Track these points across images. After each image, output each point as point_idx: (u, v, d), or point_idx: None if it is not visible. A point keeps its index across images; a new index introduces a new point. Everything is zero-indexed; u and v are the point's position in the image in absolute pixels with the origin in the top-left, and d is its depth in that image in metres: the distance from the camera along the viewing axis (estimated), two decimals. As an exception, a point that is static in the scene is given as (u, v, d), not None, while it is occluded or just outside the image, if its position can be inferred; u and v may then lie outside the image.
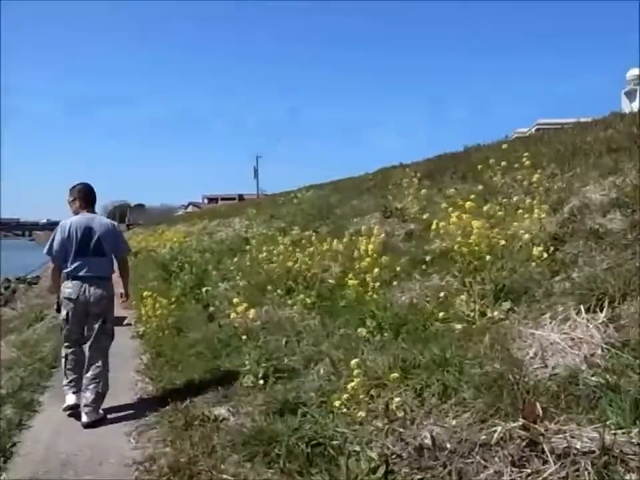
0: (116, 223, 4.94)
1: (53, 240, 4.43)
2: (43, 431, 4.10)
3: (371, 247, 5.16)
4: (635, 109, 18.40)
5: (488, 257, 4.21)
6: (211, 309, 7.56)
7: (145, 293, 7.21)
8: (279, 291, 7.05)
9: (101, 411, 4.27)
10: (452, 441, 2.75)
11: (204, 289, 8.97)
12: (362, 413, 3.13)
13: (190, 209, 75.92)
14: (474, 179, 9.11)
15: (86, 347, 4.43)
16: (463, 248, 4.36)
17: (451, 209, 5.24)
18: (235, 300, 5.66)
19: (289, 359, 4.73)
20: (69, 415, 4.26)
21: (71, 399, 4.35)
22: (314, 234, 10.50)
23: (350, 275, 5.52)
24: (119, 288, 4.72)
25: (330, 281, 6.70)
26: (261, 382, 4.32)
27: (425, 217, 8.24)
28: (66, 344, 4.47)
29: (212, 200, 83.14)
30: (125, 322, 8.40)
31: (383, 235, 5.96)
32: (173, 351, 5.79)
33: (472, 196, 5.41)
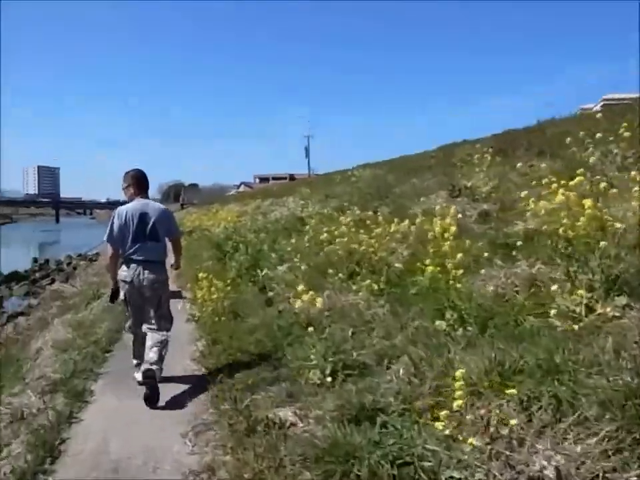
0: (167, 208, 5.00)
1: (111, 226, 4.51)
2: (94, 425, 3.80)
3: (452, 228, 4.57)
4: None
5: (602, 243, 3.56)
6: (270, 293, 7.18)
7: (201, 275, 6.85)
8: (340, 275, 6.57)
9: (161, 374, 4.42)
10: (581, 475, 2.20)
11: (260, 271, 8.60)
12: (456, 432, 2.61)
13: (242, 188, 76.59)
14: (553, 154, 8.31)
15: (146, 330, 4.59)
16: (569, 231, 3.71)
17: (541, 186, 4.60)
18: (300, 287, 5.21)
19: (359, 353, 4.23)
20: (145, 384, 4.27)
21: (139, 376, 4.53)
22: (374, 214, 10.02)
23: (425, 260, 4.98)
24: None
25: (397, 265, 6.15)
26: (329, 379, 3.86)
27: (495, 195, 7.61)
28: (128, 325, 4.78)
29: (263, 180, 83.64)
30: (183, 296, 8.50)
31: (459, 216, 5.34)
32: (230, 338, 5.41)
33: (570, 172, 4.72)
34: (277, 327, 5.17)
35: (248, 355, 4.86)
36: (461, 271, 4.49)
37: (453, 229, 4.98)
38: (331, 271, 6.81)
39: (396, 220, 7.08)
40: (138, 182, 4.68)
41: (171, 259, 5.04)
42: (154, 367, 4.27)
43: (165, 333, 4.58)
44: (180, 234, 5.18)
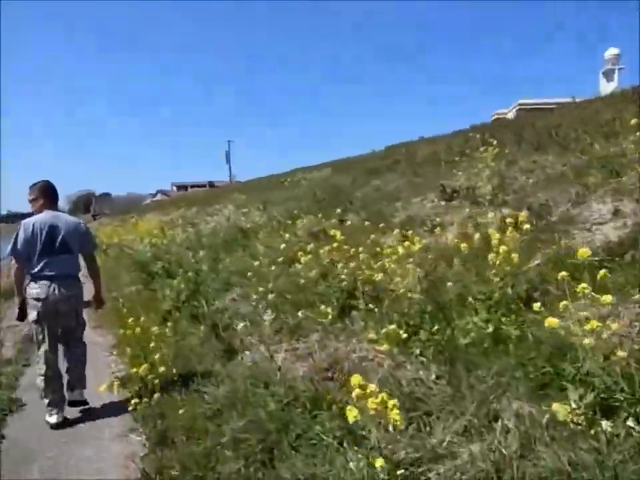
0: (82, 222, 4.68)
1: (16, 239, 4.26)
2: None
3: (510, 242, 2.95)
4: (612, 89, 17.72)
5: None
6: (222, 332, 5.23)
7: (126, 328, 4.82)
8: (328, 310, 4.76)
9: (85, 396, 4.44)
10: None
11: (205, 302, 6.61)
12: None
13: (158, 197, 72.77)
14: (561, 147, 6.94)
15: (60, 348, 4.43)
16: None
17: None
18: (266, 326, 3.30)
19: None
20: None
21: (53, 419, 4.18)
22: (339, 223, 8.29)
23: (477, 293, 3.31)
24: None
25: (414, 295, 4.42)
26: None
27: (503, 196, 6.10)
28: (41, 350, 4.28)
29: (181, 187, 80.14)
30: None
31: (527, 227, 3.68)
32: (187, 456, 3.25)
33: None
34: (266, 414, 3.21)
35: None
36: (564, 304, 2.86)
37: (512, 244, 3.38)
38: (317, 302, 4.99)
39: (396, 232, 5.39)
40: (47, 194, 4.47)
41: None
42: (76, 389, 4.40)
43: (78, 351, 4.51)
44: (94, 249, 4.76)
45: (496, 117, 27.67)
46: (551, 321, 2.53)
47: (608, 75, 43.67)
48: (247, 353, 4.70)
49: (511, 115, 26.35)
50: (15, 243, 4.22)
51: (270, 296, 5.69)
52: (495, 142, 7.59)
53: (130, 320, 5.28)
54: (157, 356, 4.34)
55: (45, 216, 4.32)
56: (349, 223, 7.88)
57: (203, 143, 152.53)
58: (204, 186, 64.62)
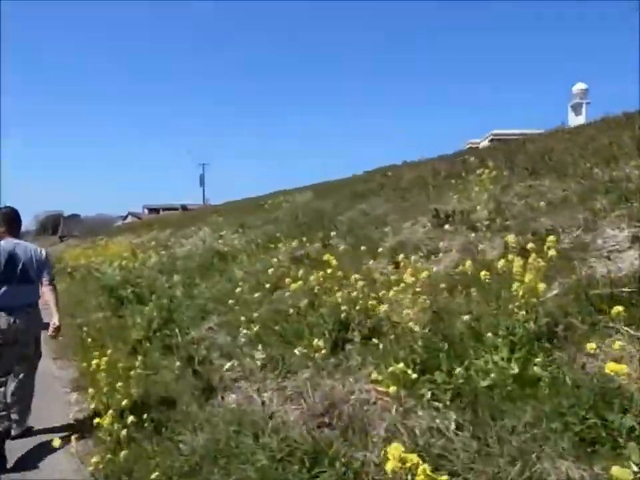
0: (43, 250, 4.55)
1: None
2: None
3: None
4: (580, 122, 18.46)
5: None
6: (198, 367, 4.69)
7: (96, 362, 4.23)
8: (320, 343, 4.26)
9: (28, 424, 4.36)
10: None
11: (179, 331, 6.05)
12: None
13: (129, 219, 71.40)
14: (557, 172, 6.66)
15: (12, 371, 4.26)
16: None
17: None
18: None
19: None
20: None
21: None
22: (324, 247, 7.85)
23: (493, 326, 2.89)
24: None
25: (417, 328, 3.96)
26: None
27: (502, 221, 5.75)
28: None
29: (153, 210, 78.85)
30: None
31: (552, 253, 3.27)
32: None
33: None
34: (256, 471, 2.69)
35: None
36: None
37: (535, 272, 2.99)
38: (307, 334, 4.50)
39: (390, 257, 4.97)
40: (9, 220, 4.44)
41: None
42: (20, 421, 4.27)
43: (27, 379, 4.36)
44: (53, 277, 4.56)
45: (470, 145, 27.85)
46: (614, 367, 2.09)
47: (576, 109, 44.86)
48: (228, 392, 4.17)
49: (483, 145, 26.58)
50: None
51: (251, 326, 5.17)
52: (490, 164, 7.31)
53: (95, 352, 4.71)
54: (124, 402, 3.75)
55: (5, 244, 4.26)
56: (338, 247, 7.45)
57: (176, 164, 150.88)
58: (176, 209, 63.65)
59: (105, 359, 4.12)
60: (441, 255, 5.40)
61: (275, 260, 8.14)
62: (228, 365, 4.53)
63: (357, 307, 4.42)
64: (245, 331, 5.44)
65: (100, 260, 12.31)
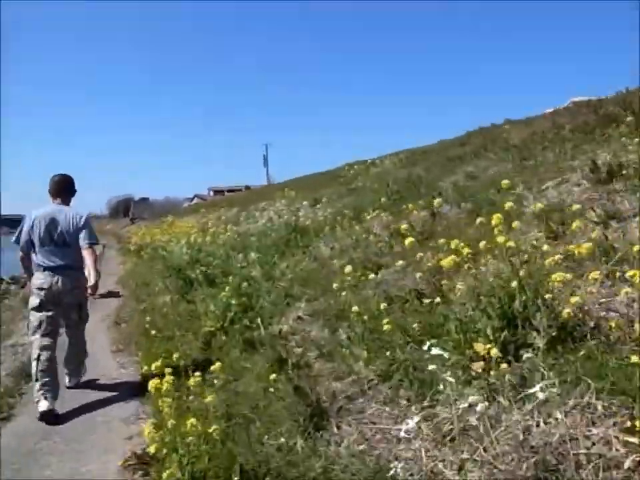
0: (84, 216, 4.53)
1: (20, 229, 4.44)
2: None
3: None
4: None
5: None
6: (291, 371, 3.39)
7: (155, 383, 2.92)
8: (488, 347, 2.83)
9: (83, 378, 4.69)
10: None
11: (261, 322, 4.81)
12: None
13: (195, 201, 72.14)
14: None
15: (63, 335, 4.52)
16: None
17: None
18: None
19: None
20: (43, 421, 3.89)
21: (44, 405, 3.99)
22: (432, 217, 6.40)
23: None
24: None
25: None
26: None
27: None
28: (35, 336, 4.25)
29: (218, 192, 79.46)
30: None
31: None
32: None
33: None
34: None
35: None
36: None
37: None
38: (456, 331, 3.09)
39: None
40: (52, 186, 4.58)
41: None
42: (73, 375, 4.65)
43: (80, 345, 4.62)
44: (94, 243, 4.51)
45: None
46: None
47: None
48: (345, 418, 2.85)
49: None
50: (19, 233, 4.43)
51: (357, 317, 3.83)
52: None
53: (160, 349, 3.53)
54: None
55: (48, 209, 4.46)
56: (449, 216, 6.01)
57: (238, 146, 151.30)
58: (240, 190, 63.60)
59: (168, 377, 2.85)
60: (625, 220, 3.84)
61: (369, 234, 6.80)
62: (320, 362, 3.20)
63: (527, 294, 2.97)
64: (346, 323, 4.15)
65: (166, 238, 11.36)
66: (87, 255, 4.36)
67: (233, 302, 5.37)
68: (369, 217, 7.67)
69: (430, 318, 3.60)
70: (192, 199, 78.52)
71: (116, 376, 4.84)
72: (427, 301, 3.83)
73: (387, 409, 2.83)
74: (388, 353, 3.38)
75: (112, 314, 7.48)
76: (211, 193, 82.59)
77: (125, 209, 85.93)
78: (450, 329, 3.13)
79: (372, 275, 4.92)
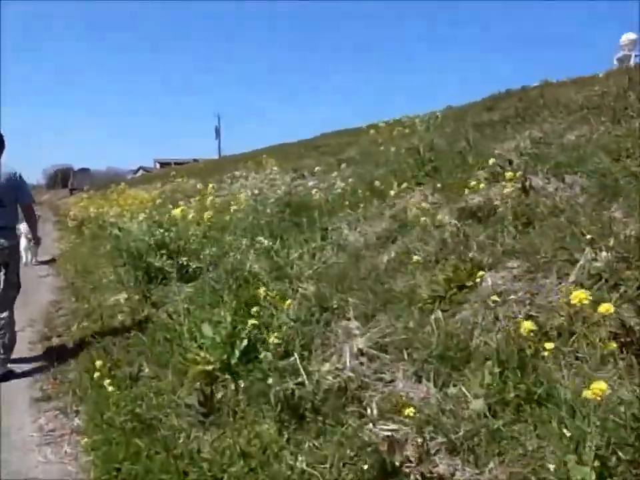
0: (18, 173, 4.36)
1: None
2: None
3: None
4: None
5: None
6: None
7: None
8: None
9: (8, 365, 4.12)
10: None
11: (299, 359, 2.76)
12: None
13: (140, 173, 68.17)
14: None
15: None
16: None
17: None
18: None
19: None
20: None
21: None
22: (525, 192, 4.51)
23: None
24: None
25: None
26: None
27: None
28: None
29: (165, 164, 75.56)
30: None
31: None
32: None
33: None
34: None
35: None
36: None
37: None
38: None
39: None
40: None
41: None
42: None
43: (4, 314, 4.13)
44: (30, 201, 4.53)
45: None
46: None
47: (623, 61, 40.55)
48: None
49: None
50: None
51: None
52: None
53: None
54: None
55: None
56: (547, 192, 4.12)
57: (187, 116, 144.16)
58: (188, 162, 60.34)
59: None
60: None
61: (414, 213, 4.84)
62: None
63: None
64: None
65: (116, 211, 8.97)
66: (27, 211, 4.41)
67: (238, 318, 3.26)
68: (392, 193, 5.68)
69: None
70: (137, 171, 74.25)
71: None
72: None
73: None
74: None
75: (40, 318, 5.22)
76: (157, 165, 78.48)
77: (63, 179, 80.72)
78: None
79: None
